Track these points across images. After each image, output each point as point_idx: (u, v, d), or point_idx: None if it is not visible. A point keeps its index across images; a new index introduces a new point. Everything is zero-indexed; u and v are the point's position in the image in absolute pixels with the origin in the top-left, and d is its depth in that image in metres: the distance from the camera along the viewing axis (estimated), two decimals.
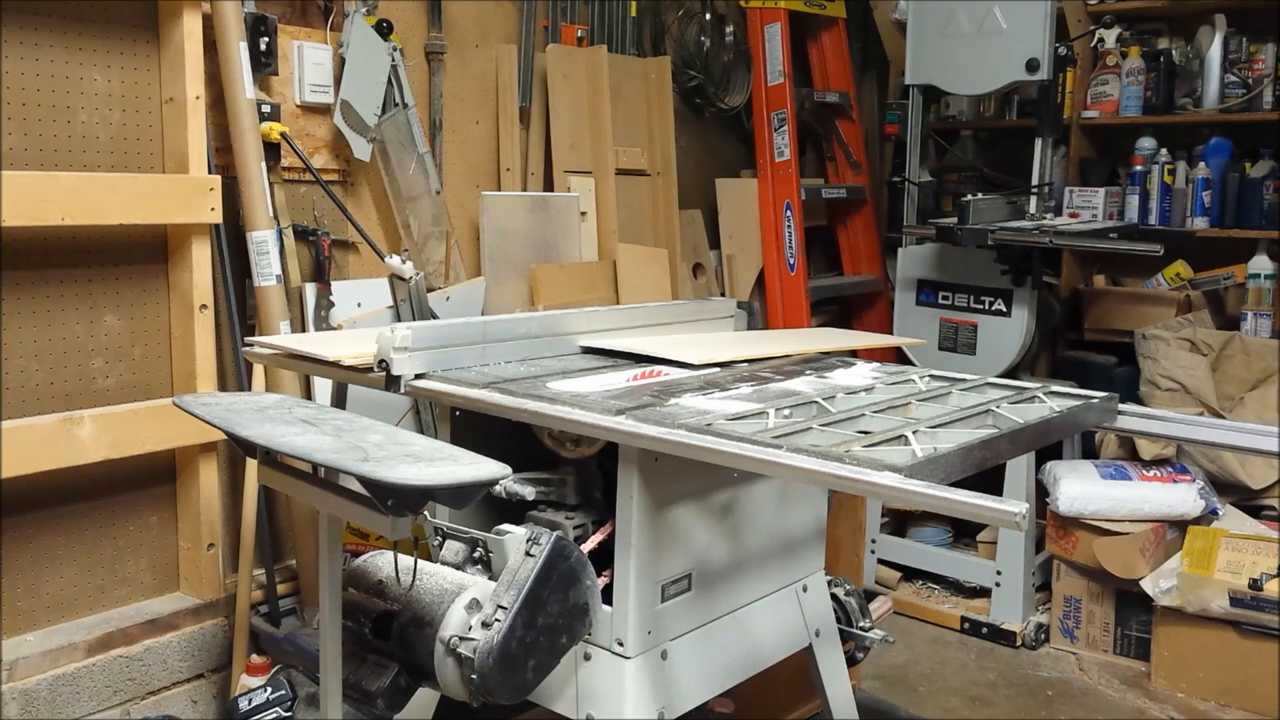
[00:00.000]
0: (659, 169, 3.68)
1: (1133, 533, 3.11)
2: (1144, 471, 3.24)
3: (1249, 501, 3.27)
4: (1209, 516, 3.18)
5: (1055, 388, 1.84)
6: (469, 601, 1.48)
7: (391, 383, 1.73)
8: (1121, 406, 1.81)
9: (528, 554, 1.49)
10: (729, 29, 3.94)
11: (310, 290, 2.73)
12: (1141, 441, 3.26)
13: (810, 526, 1.98)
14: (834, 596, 2.06)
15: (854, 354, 2.26)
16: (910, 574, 3.67)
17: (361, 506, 1.39)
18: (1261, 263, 3.66)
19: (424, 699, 1.82)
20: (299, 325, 2.70)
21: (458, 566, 1.63)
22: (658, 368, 1.92)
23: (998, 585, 3.35)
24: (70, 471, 2.29)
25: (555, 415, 1.57)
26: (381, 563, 1.62)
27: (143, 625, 2.46)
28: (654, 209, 3.68)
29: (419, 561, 1.55)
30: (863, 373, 1.95)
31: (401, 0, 2.96)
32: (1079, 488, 3.16)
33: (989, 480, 2.35)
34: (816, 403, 1.63)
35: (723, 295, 3.92)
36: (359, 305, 2.82)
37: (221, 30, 2.48)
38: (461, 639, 1.44)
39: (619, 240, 3.42)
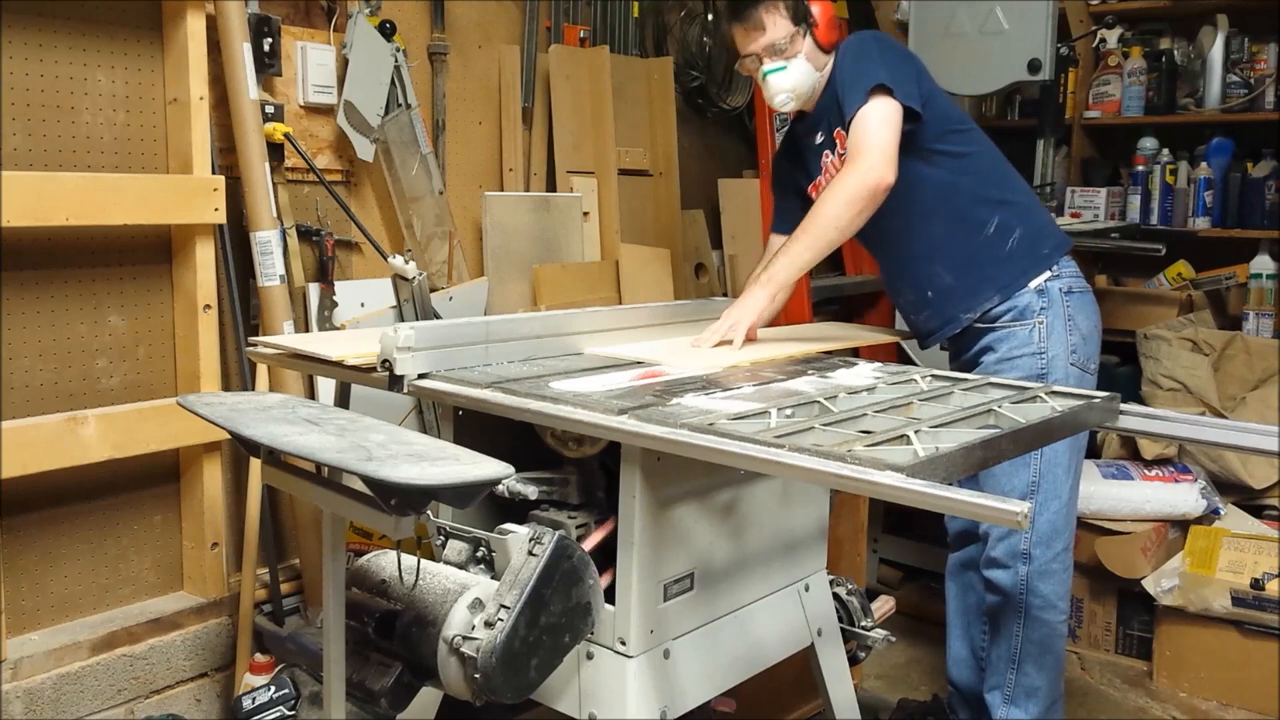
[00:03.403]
0: (661, 169, 3.68)
1: (1134, 532, 3.11)
2: (1146, 471, 3.24)
3: (1251, 501, 3.27)
4: (1211, 516, 3.18)
5: (1057, 387, 1.84)
6: (472, 601, 1.49)
7: (395, 382, 1.74)
8: (1123, 406, 1.81)
9: (530, 553, 1.50)
10: None
11: (314, 290, 2.74)
12: (1143, 441, 3.26)
13: (812, 526, 1.98)
14: (836, 596, 2.06)
15: (856, 354, 2.27)
16: (912, 573, 3.67)
17: (365, 506, 1.40)
18: (1263, 263, 3.66)
19: (427, 698, 1.83)
20: (302, 325, 2.71)
21: (461, 566, 1.63)
22: (660, 367, 1.92)
23: None
24: (74, 471, 2.30)
25: (558, 415, 1.57)
26: (385, 562, 1.62)
27: (147, 624, 2.47)
28: (656, 209, 3.68)
29: (422, 561, 1.55)
30: (865, 372, 1.96)
31: (404, 1, 2.97)
32: (1080, 487, 3.16)
33: None
34: (819, 402, 1.63)
35: (725, 295, 3.92)
36: (362, 305, 2.82)
37: (225, 31, 2.48)
38: (464, 638, 1.45)
39: (621, 240, 3.43)
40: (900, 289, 2.47)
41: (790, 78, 2.27)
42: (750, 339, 2.17)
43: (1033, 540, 2.32)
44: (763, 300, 2.17)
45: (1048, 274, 2.28)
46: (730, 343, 2.12)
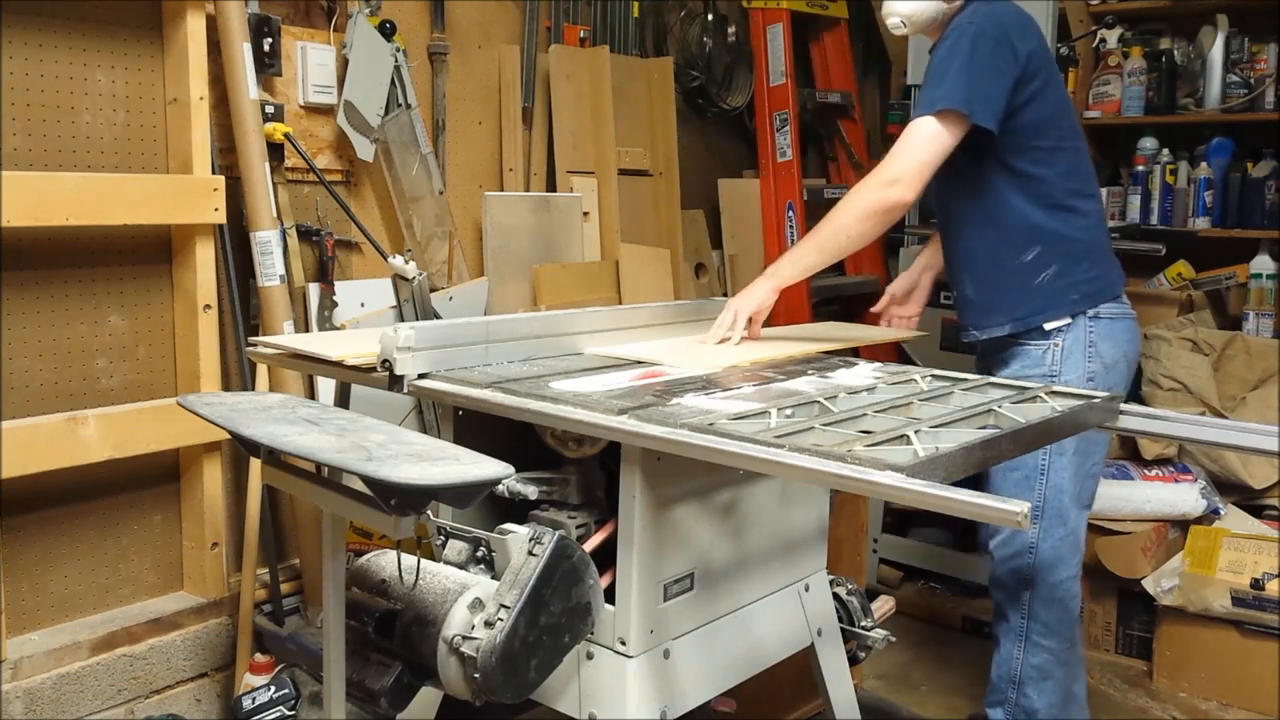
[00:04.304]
0: (661, 169, 3.69)
1: (1134, 532, 3.11)
2: (1146, 471, 3.24)
3: (1251, 501, 3.27)
4: (1211, 516, 3.18)
5: (1057, 387, 1.84)
6: (472, 601, 1.49)
7: (395, 382, 1.74)
8: (1123, 406, 1.81)
9: (530, 553, 1.50)
10: (731, 29, 3.95)
11: (314, 290, 2.74)
12: (1143, 441, 3.26)
13: (812, 526, 1.98)
14: (836, 596, 2.06)
15: (856, 354, 2.27)
16: (912, 573, 3.67)
17: (365, 506, 1.40)
18: (1263, 263, 3.66)
19: (427, 698, 1.83)
20: (302, 325, 2.71)
21: (461, 566, 1.63)
22: (660, 367, 1.92)
23: None
24: (75, 471, 2.30)
25: (558, 415, 1.57)
26: (385, 562, 1.62)
27: (147, 624, 2.47)
28: (656, 209, 3.68)
29: (422, 561, 1.56)
30: (865, 372, 1.96)
31: (404, 1, 2.97)
32: None
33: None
34: (819, 402, 1.64)
35: (725, 295, 3.92)
36: (362, 305, 2.82)
37: (225, 31, 2.48)
38: (464, 638, 1.45)
39: (621, 240, 3.43)
40: (946, 276, 2.50)
41: (909, 4, 2.22)
42: (753, 335, 2.18)
43: (1035, 565, 2.29)
44: (764, 292, 2.17)
45: (1067, 319, 2.22)
46: (732, 338, 2.15)
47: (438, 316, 2.77)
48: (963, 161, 2.15)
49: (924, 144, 2.07)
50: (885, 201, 2.07)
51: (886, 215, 2.09)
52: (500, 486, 1.62)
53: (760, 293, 2.17)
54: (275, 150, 2.62)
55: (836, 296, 4.37)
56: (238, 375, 2.66)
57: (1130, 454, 3.34)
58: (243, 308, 2.62)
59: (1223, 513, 3.19)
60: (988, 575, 2.43)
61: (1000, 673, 2.38)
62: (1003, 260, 2.25)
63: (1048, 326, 2.23)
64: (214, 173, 2.49)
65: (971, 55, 2.08)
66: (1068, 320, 2.23)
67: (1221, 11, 3.76)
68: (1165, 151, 3.90)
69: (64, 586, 2.42)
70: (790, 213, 3.94)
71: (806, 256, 2.17)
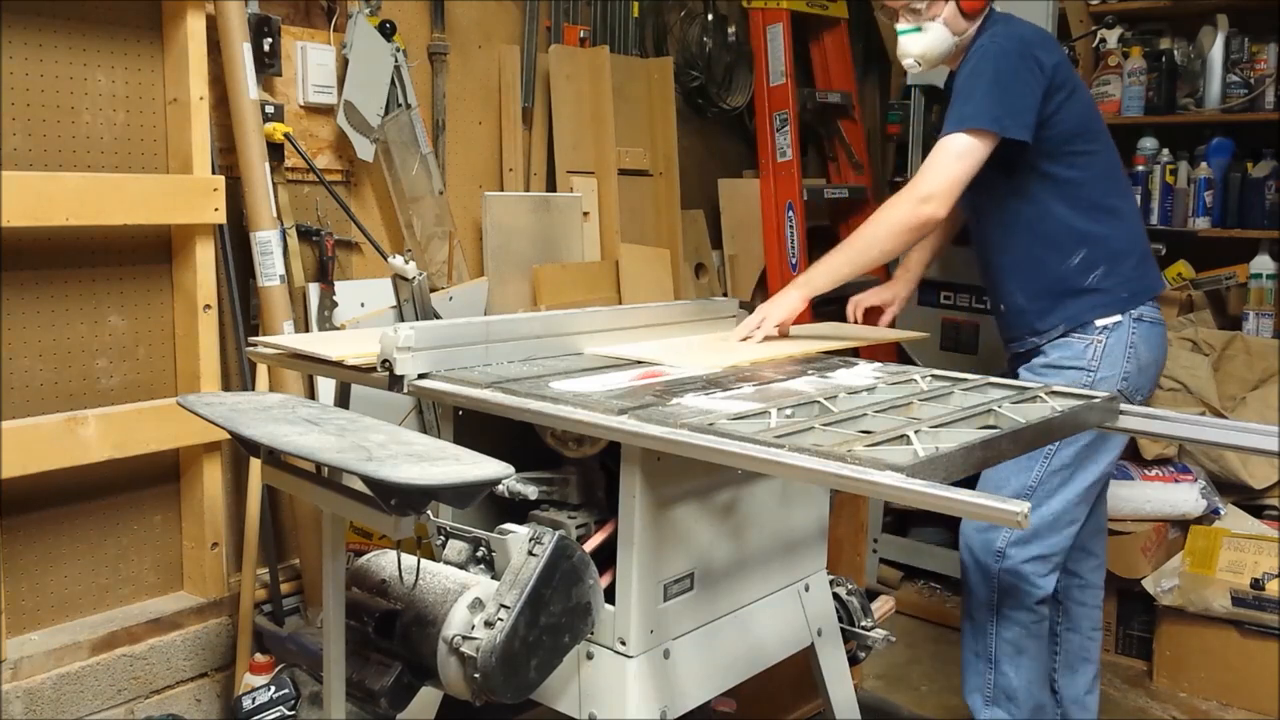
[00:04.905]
0: (661, 169, 3.68)
1: (1134, 532, 3.11)
2: (1146, 471, 3.24)
3: (1251, 501, 3.27)
4: (1211, 516, 3.19)
5: (1057, 387, 1.84)
6: (472, 601, 1.49)
7: (395, 382, 1.74)
8: (1123, 406, 1.81)
9: (530, 553, 1.50)
10: (731, 29, 3.95)
11: (314, 290, 2.74)
12: (1143, 441, 3.26)
13: (812, 526, 1.98)
14: (836, 596, 2.06)
15: (856, 354, 2.27)
16: (912, 573, 3.67)
17: (365, 506, 1.40)
18: (1263, 263, 3.66)
19: (427, 698, 1.83)
20: (302, 325, 2.71)
21: (461, 566, 1.63)
22: (660, 367, 1.92)
23: None
24: (74, 471, 2.30)
25: (558, 415, 1.57)
26: (384, 562, 1.62)
27: (147, 624, 2.47)
28: (656, 209, 3.68)
29: (422, 561, 1.56)
30: (865, 372, 1.96)
31: (404, 1, 2.97)
32: None
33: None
34: (819, 402, 1.64)
35: (725, 295, 3.92)
36: (362, 305, 2.82)
37: (225, 31, 2.48)
38: (464, 638, 1.45)
39: (621, 240, 3.43)
40: (986, 287, 2.53)
41: (920, 43, 2.27)
42: (782, 335, 2.22)
43: (1009, 539, 2.32)
44: (796, 300, 2.22)
45: (1118, 316, 2.27)
46: (754, 338, 2.19)
47: (438, 316, 2.77)
48: (998, 176, 2.19)
49: (955, 160, 2.12)
50: (919, 218, 2.13)
51: (919, 231, 2.16)
52: (500, 486, 1.62)
53: (792, 301, 2.22)
54: (275, 150, 2.62)
55: (837, 296, 4.35)
56: (238, 375, 2.66)
57: (1130, 454, 3.34)
58: (243, 308, 2.62)
59: (1223, 513, 3.19)
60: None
61: (977, 649, 2.39)
62: (1051, 266, 2.30)
63: (1099, 322, 2.27)
64: (214, 173, 2.49)
65: (996, 72, 2.14)
66: (1118, 318, 2.27)
67: (1221, 11, 3.76)
68: (1165, 151, 3.90)
69: (64, 586, 2.42)
70: (790, 213, 3.94)
71: (840, 268, 2.22)
